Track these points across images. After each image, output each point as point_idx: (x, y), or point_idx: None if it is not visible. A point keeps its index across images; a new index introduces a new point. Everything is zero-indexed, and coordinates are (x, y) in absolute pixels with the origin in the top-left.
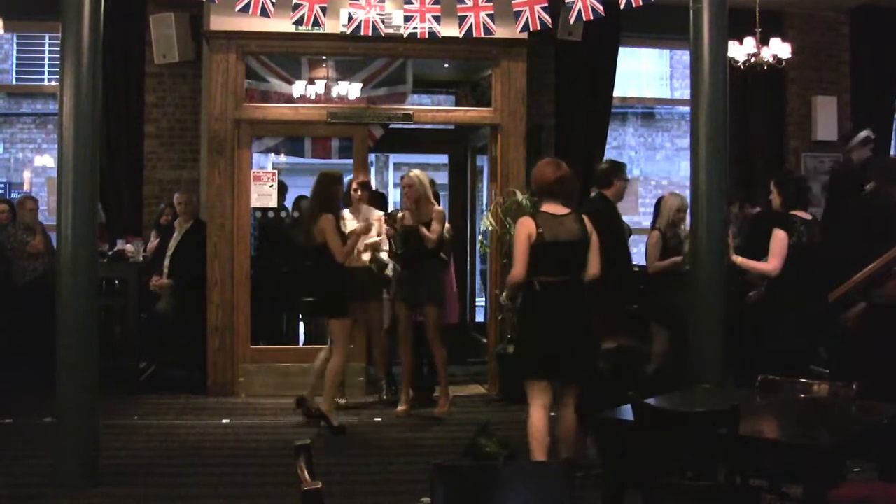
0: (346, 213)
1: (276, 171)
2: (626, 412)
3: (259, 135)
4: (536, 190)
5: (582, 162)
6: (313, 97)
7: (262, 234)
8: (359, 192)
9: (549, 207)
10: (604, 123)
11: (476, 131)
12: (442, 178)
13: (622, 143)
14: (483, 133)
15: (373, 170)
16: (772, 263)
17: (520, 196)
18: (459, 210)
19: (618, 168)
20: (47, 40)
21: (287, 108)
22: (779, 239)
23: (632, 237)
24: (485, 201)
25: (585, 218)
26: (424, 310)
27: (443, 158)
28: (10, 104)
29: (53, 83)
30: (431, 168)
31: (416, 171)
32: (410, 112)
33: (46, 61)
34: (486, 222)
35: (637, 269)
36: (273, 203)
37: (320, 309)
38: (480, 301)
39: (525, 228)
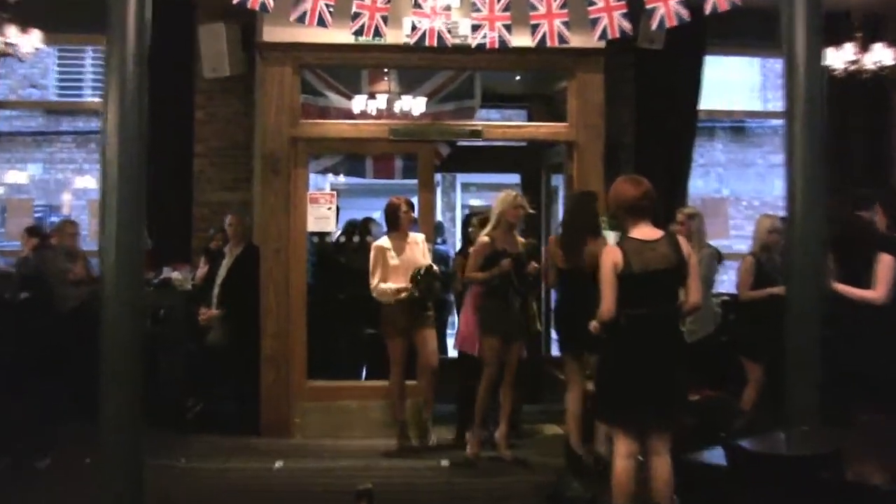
0: (384, 239)
1: (334, 192)
2: (718, 455)
3: (316, 153)
4: (617, 211)
5: (665, 182)
6: (374, 113)
7: (320, 261)
8: (409, 215)
9: (639, 232)
10: (689, 139)
11: (550, 148)
12: None
13: (710, 161)
14: (558, 150)
15: (438, 190)
16: (879, 291)
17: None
18: (532, 233)
19: None
20: (89, 54)
21: (346, 125)
22: (885, 264)
23: (722, 263)
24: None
25: (681, 240)
26: (513, 345)
27: (514, 178)
28: (49, 122)
29: (95, 99)
30: (503, 188)
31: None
32: (479, 128)
33: (88, 76)
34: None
35: (727, 299)
36: (331, 227)
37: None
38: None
39: (610, 259)
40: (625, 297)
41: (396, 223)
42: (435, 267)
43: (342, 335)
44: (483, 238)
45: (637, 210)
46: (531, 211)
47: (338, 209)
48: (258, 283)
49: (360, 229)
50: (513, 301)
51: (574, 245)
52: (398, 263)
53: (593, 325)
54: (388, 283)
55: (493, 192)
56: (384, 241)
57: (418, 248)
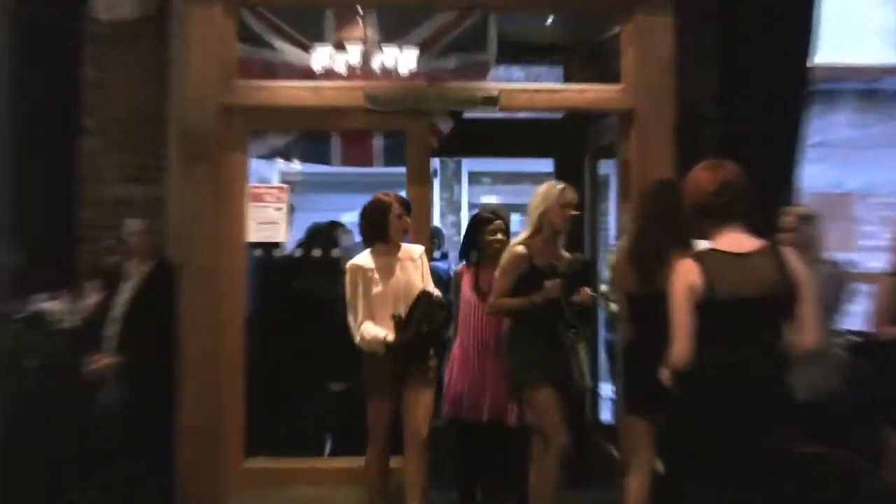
0: (365, 256)
1: (286, 185)
2: None
3: (260, 129)
4: (693, 212)
5: (764, 170)
6: (344, 71)
7: (266, 285)
8: (403, 220)
9: (725, 241)
10: (797, 109)
11: (597, 123)
12: None
13: (829, 139)
14: (608, 125)
15: (436, 183)
16: None
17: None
18: (571, 244)
19: None
20: None
21: (303, 88)
22: None
23: (849, 285)
24: (611, 231)
25: (789, 253)
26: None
27: (545, 165)
28: None
29: None
30: (528, 180)
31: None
32: (495, 93)
33: None
34: (611, 262)
35: (858, 339)
36: (282, 236)
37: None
38: (607, 389)
39: (684, 279)
40: (705, 334)
41: (384, 232)
42: (436, 293)
43: (298, 392)
44: (516, 249)
45: (717, 209)
46: (577, 212)
47: (291, 210)
48: (174, 317)
49: (323, 239)
50: (564, 340)
51: (651, 261)
52: (383, 291)
53: (663, 374)
54: (374, 324)
55: (514, 186)
56: (365, 259)
57: (415, 268)
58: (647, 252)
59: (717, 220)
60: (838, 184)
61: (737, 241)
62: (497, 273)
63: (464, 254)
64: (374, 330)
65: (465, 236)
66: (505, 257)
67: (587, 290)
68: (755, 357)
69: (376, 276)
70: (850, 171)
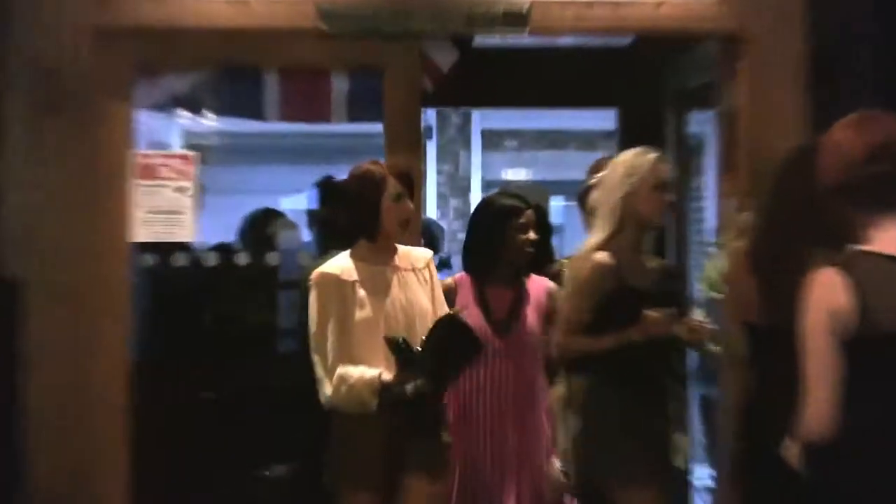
0: (341, 261)
1: (193, 154)
2: None
3: (154, 65)
4: (832, 190)
5: None
6: None
7: (161, 309)
8: (404, 205)
9: (888, 240)
10: None
11: (684, 54)
12: None
13: None
14: (702, 57)
15: (431, 148)
16: None
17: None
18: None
19: None
20: None
21: (223, 1)
22: None
23: None
24: (708, 221)
25: None
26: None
27: (602, 120)
28: None
29: None
30: (576, 144)
31: None
32: (524, 6)
33: None
34: (711, 274)
35: None
36: (187, 232)
37: None
38: (702, 473)
39: (823, 302)
40: (857, 388)
41: (373, 224)
42: (461, 317)
43: (212, 477)
44: (599, 258)
45: (872, 189)
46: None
47: (201, 191)
48: (16, 356)
49: (252, 236)
50: (669, 404)
51: (784, 274)
52: (372, 316)
53: (789, 450)
54: (358, 366)
55: (554, 153)
56: (342, 267)
57: (420, 283)
58: (777, 260)
59: (871, 205)
60: None
61: None
62: (569, 295)
63: (472, 259)
64: (358, 371)
65: (474, 232)
66: (579, 271)
67: (699, 321)
68: None
69: (361, 292)
70: None
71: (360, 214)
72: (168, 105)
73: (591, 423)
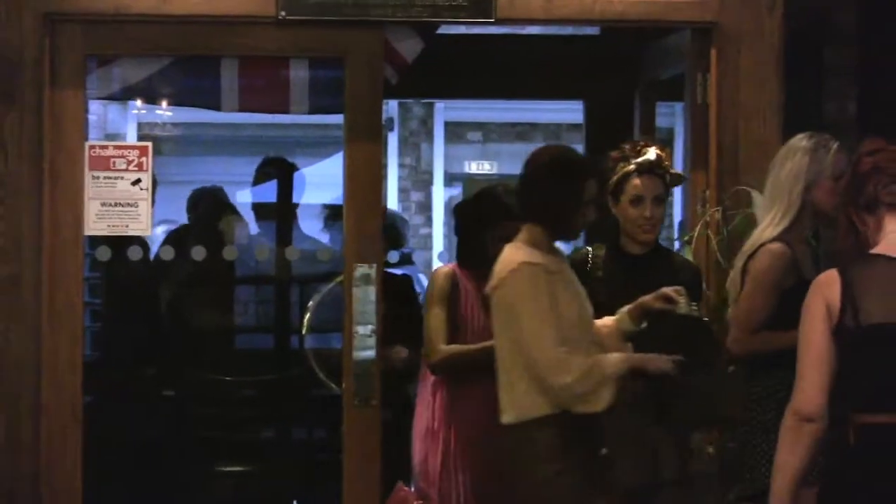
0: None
1: (147, 144)
2: None
3: (107, 53)
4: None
5: None
6: None
7: (116, 308)
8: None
9: (887, 242)
10: None
11: (655, 44)
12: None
13: None
14: (673, 47)
15: (393, 140)
16: None
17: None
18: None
19: None
20: None
21: None
22: None
23: None
24: (675, 215)
25: None
26: None
27: (571, 112)
28: None
29: None
30: (543, 136)
31: None
32: None
33: None
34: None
35: None
36: (143, 225)
37: None
38: None
39: (819, 298)
40: (854, 384)
41: (572, 220)
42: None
43: (174, 472)
44: (777, 248)
45: (872, 194)
46: None
47: (154, 184)
48: None
49: (205, 232)
50: None
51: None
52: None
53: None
54: None
55: (520, 146)
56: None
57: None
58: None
59: (875, 207)
60: None
61: None
62: (750, 288)
63: (473, 254)
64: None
65: (475, 227)
66: (761, 262)
67: None
68: None
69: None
70: None
71: (557, 208)
72: (122, 95)
73: (756, 433)
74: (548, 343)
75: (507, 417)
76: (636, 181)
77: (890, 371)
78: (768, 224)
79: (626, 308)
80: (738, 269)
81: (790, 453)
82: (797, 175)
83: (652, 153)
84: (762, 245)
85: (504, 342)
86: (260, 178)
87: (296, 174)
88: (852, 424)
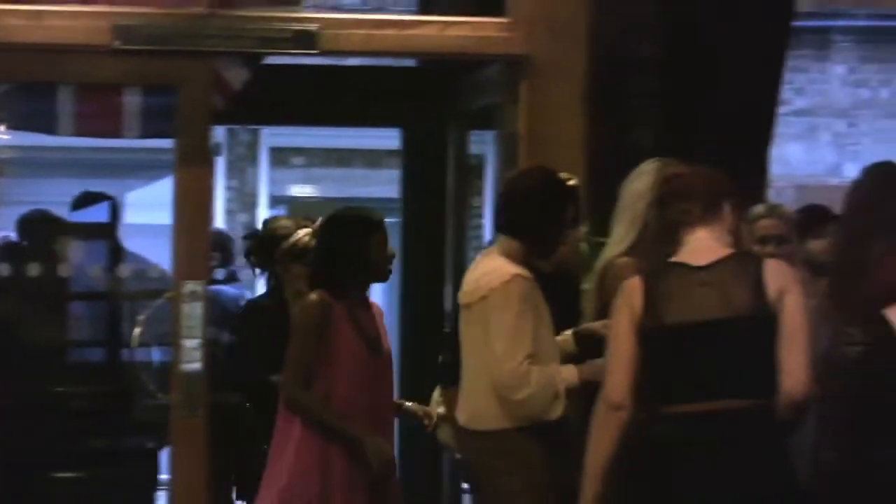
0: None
1: None
2: None
3: None
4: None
5: (725, 140)
6: None
7: None
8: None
9: (689, 251)
10: (774, 53)
11: (468, 75)
12: (383, 190)
13: (819, 102)
14: (486, 78)
15: (220, 164)
16: None
17: (580, 230)
18: (425, 266)
19: None
20: None
21: (17, 14)
22: None
23: None
24: (485, 238)
25: (772, 266)
26: None
27: (390, 139)
28: None
29: None
30: (363, 161)
31: None
32: (314, 27)
33: None
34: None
35: None
36: None
37: None
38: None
39: (627, 301)
40: (659, 379)
41: (555, 234)
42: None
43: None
44: (623, 261)
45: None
46: None
47: None
48: None
49: (34, 248)
50: None
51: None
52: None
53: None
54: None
55: (341, 171)
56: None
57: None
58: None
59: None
60: (834, 169)
61: (699, 250)
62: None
63: (337, 276)
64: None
65: (338, 248)
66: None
67: None
68: (726, 407)
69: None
70: (848, 152)
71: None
72: None
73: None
74: (518, 357)
75: (465, 419)
76: None
77: (686, 365)
78: (616, 241)
79: (570, 331)
80: (592, 288)
81: (601, 438)
82: (641, 193)
83: None
84: (611, 261)
85: (476, 350)
86: (77, 206)
87: (108, 203)
88: (658, 416)
